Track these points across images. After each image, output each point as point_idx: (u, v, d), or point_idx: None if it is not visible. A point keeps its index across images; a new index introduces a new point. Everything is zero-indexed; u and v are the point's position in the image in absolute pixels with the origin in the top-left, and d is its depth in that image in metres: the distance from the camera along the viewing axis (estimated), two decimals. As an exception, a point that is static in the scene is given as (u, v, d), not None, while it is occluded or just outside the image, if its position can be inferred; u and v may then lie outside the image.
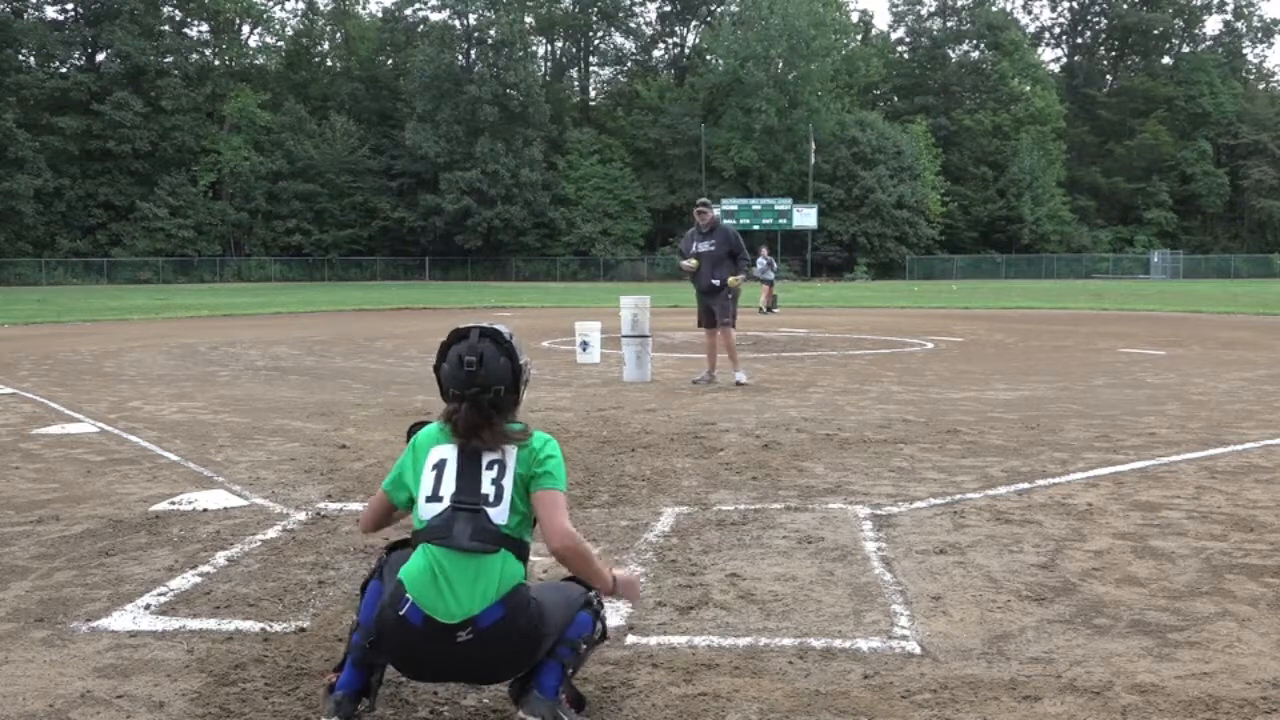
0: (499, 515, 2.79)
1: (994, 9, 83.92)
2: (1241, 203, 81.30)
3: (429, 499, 2.83)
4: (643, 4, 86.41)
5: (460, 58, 73.07)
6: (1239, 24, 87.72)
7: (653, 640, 3.50)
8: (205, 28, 72.97)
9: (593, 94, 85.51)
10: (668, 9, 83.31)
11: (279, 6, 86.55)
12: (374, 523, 3.15)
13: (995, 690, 3.08)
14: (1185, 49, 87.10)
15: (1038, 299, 35.37)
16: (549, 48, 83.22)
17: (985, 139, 77.55)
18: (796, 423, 8.15)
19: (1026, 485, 5.86)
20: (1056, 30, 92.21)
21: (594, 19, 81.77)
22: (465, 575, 2.72)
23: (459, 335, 2.92)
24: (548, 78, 79.02)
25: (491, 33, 71.68)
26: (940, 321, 23.07)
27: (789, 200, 66.61)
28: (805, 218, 65.80)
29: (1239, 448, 7.02)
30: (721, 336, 10.79)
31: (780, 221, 64.99)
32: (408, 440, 3.03)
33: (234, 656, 3.37)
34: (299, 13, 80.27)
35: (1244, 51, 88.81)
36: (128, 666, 3.30)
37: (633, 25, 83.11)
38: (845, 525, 5.01)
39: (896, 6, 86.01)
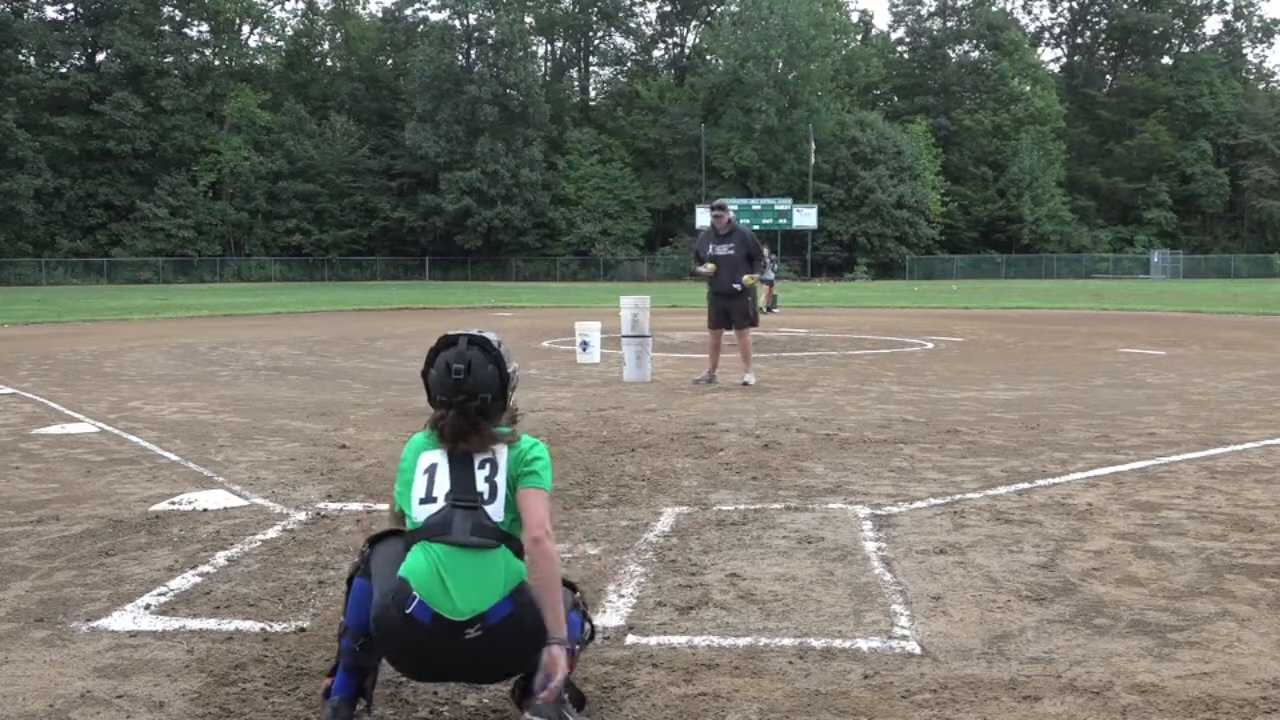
0: (495, 512, 2.80)
1: (994, 9, 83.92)
2: (1241, 203, 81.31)
3: (422, 501, 2.84)
4: (643, 4, 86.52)
5: (460, 58, 73.08)
6: (1239, 24, 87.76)
7: (653, 640, 3.50)
8: (205, 28, 73.05)
9: (593, 94, 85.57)
10: (668, 9, 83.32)
11: (279, 6, 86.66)
12: None
13: (995, 690, 3.08)
14: (1185, 49, 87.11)
15: (1038, 299, 35.37)
16: (549, 48, 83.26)
17: (985, 139, 77.56)
18: (796, 423, 8.15)
19: (1026, 485, 5.86)
20: (1056, 30, 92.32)
21: (594, 19, 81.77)
22: (470, 571, 2.72)
23: (447, 342, 2.93)
24: (548, 78, 79.02)
25: (491, 33, 71.68)
26: (940, 321, 23.07)
27: (789, 200, 66.62)
28: (805, 218, 65.81)
29: (1239, 448, 7.02)
30: (738, 337, 10.82)
31: (780, 221, 64.97)
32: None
33: (234, 656, 3.37)
34: (299, 13, 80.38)
35: (1244, 51, 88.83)
36: (128, 666, 3.30)
37: (633, 25, 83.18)
38: (845, 525, 5.01)
39: (896, 6, 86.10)
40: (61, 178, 62.91)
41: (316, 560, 4.47)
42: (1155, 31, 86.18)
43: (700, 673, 3.22)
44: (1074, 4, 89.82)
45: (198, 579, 4.22)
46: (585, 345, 13.38)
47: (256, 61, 74.84)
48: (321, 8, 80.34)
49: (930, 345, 16.32)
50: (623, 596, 3.96)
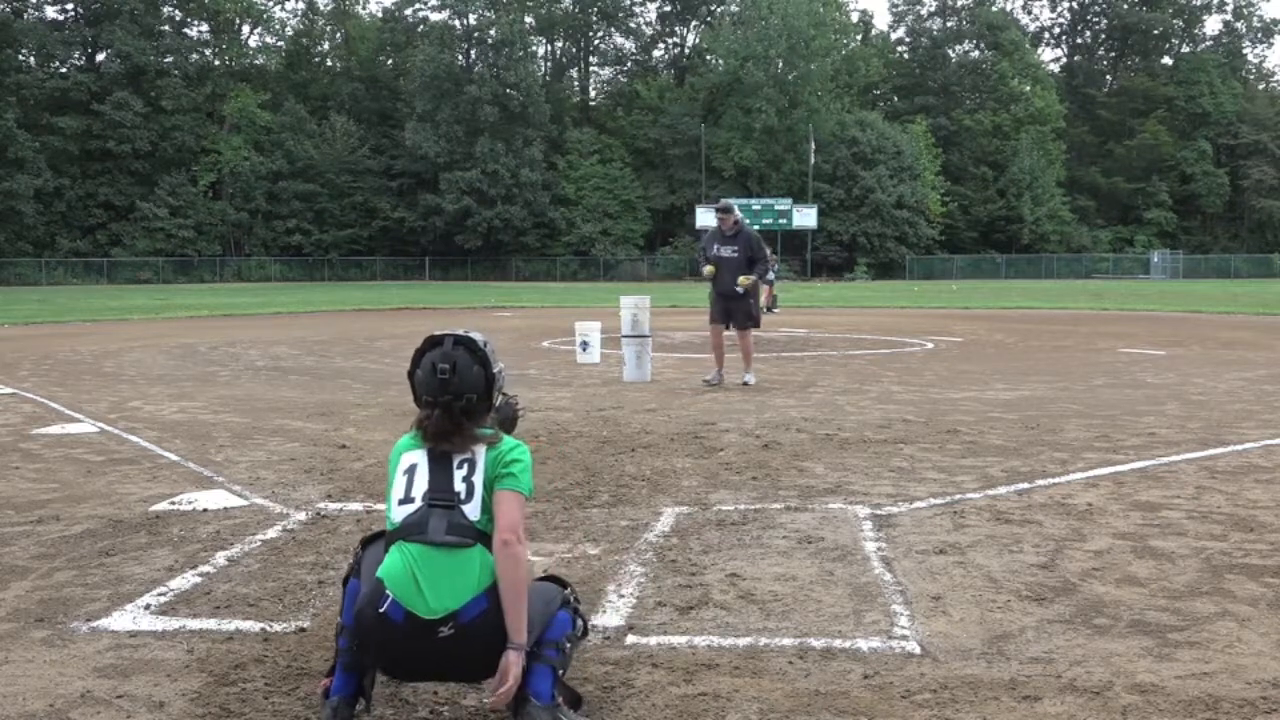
0: (472, 511, 2.80)
1: (994, 9, 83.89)
2: (1241, 203, 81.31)
3: (401, 501, 2.85)
4: (643, 4, 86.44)
5: (460, 58, 73.07)
6: (1239, 24, 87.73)
7: (653, 640, 3.50)
8: (205, 28, 73.01)
9: (593, 94, 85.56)
10: (668, 9, 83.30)
11: (279, 6, 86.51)
12: None
13: (995, 690, 3.08)
14: (1185, 49, 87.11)
15: (1038, 299, 35.37)
16: (549, 48, 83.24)
17: (985, 139, 77.55)
18: (796, 423, 8.15)
19: (1026, 485, 5.86)
20: (1056, 30, 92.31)
21: (594, 19, 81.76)
22: (444, 570, 2.73)
23: (433, 342, 2.93)
24: (548, 78, 79.02)
25: (491, 33, 71.69)
26: (940, 321, 23.07)
27: (789, 200, 66.62)
28: (805, 218, 65.81)
29: (1239, 448, 7.02)
30: (740, 338, 10.81)
31: (780, 221, 64.97)
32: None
33: (234, 656, 3.38)
34: (299, 13, 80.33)
35: (1244, 51, 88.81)
36: (128, 666, 3.30)
37: (633, 25, 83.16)
38: (845, 525, 5.01)
39: (896, 6, 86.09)
40: (61, 178, 62.90)
41: (316, 560, 4.47)
42: (1155, 31, 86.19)
43: (700, 673, 3.22)
44: (1074, 4, 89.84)
45: (198, 579, 4.22)
46: (585, 345, 13.38)
47: (256, 61, 74.83)
48: (321, 8, 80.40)
49: (930, 345, 16.32)
50: (623, 596, 3.96)
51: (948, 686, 3.11)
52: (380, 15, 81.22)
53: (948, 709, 2.96)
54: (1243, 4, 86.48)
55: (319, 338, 18.48)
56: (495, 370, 2.95)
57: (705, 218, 55.82)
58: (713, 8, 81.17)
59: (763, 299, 26.25)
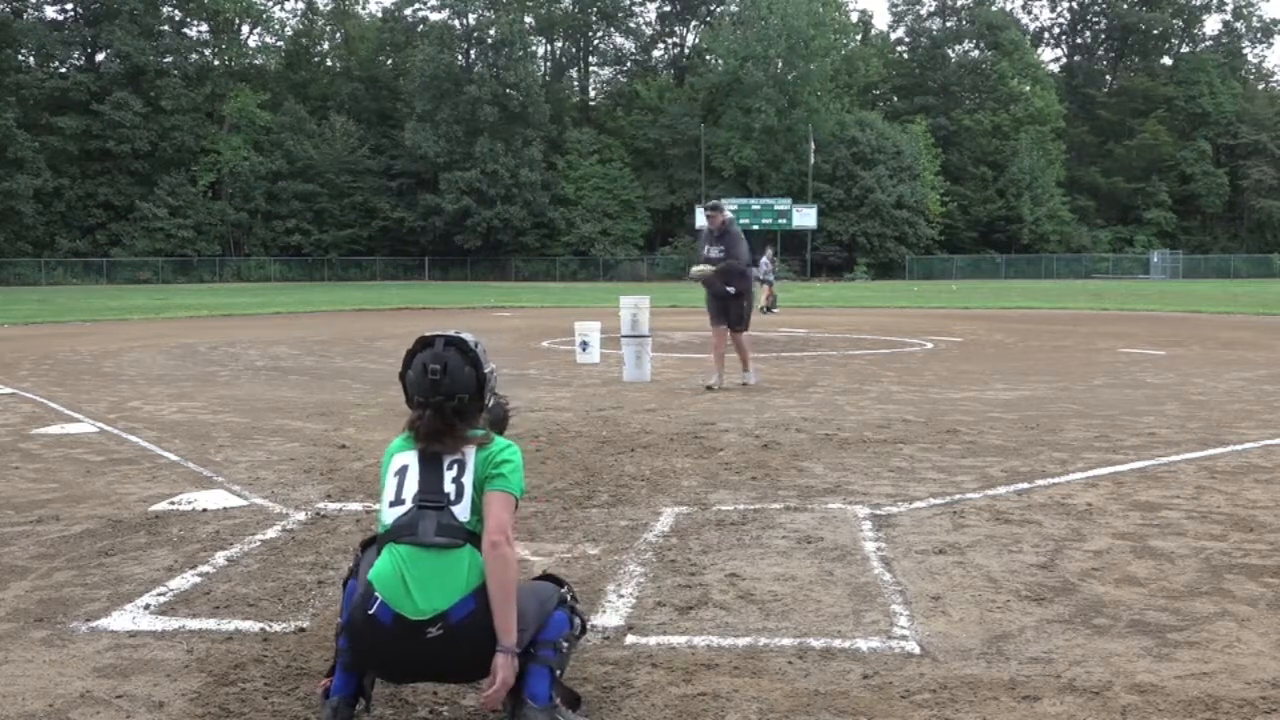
0: (462, 512, 2.80)
1: (994, 9, 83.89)
2: (1241, 203, 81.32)
3: (392, 504, 2.85)
4: (643, 4, 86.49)
5: (460, 58, 73.08)
6: (1239, 24, 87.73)
7: (653, 640, 3.50)
8: (205, 28, 73.00)
9: (592, 94, 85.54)
10: (668, 9, 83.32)
11: (279, 6, 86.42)
12: None
13: (995, 690, 3.08)
14: (1185, 49, 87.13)
15: (1037, 299, 35.37)
16: (549, 48, 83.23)
17: (985, 139, 77.56)
18: (796, 423, 8.15)
19: (1026, 485, 5.86)
20: (1056, 30, 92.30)
21: (594, 19, 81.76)
22: (433, 571, 2.74)
23: (424, 343, 2.94)
24: (547, 78, 79.01)
25: (491, 33, 71.70)
26: (940, 321, 23.07)
27: (789, 200, 66.63)
28: (805, 218, 65.83)
29: (1239, 448, 7.02)
30: (734, 339, 10.73)
31: (780, 221, 65.00)
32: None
33: (234, 656, 3.38)
34: (299, 13, 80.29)
35: (1244, 51, 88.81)
36: (128, 666, 3.30)
37: (632, 25, 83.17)
38: (845, 525, 5.01)
39: (896, 6, 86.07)
40: (61, 178, 62.90)
41: (316, 560, 4.48)
42: (1155, 31, 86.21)
43: (700, 673, 3.22)
44: (1074, 4, 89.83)
45: (197, 579, 4.22)
46: (585, 345, 13.38)
47: (256, 61, 74.81)
48: (321, 8, 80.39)
49: (930, 345, 16.33)
50: (622, 596, 3.96)
51: (947, 686, 3.11)
52: (380, 15, 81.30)
53: (947, 709, 2.96)
54: (1243, 4, 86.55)
55: (319, 338, 18.48)
56: (487, 371, 2.96)
57: (704, 218, 55.76)
58: (712, 8, 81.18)
59: (763, 299, 26.45)
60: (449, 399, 2.86)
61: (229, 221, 67.83)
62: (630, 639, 3.51)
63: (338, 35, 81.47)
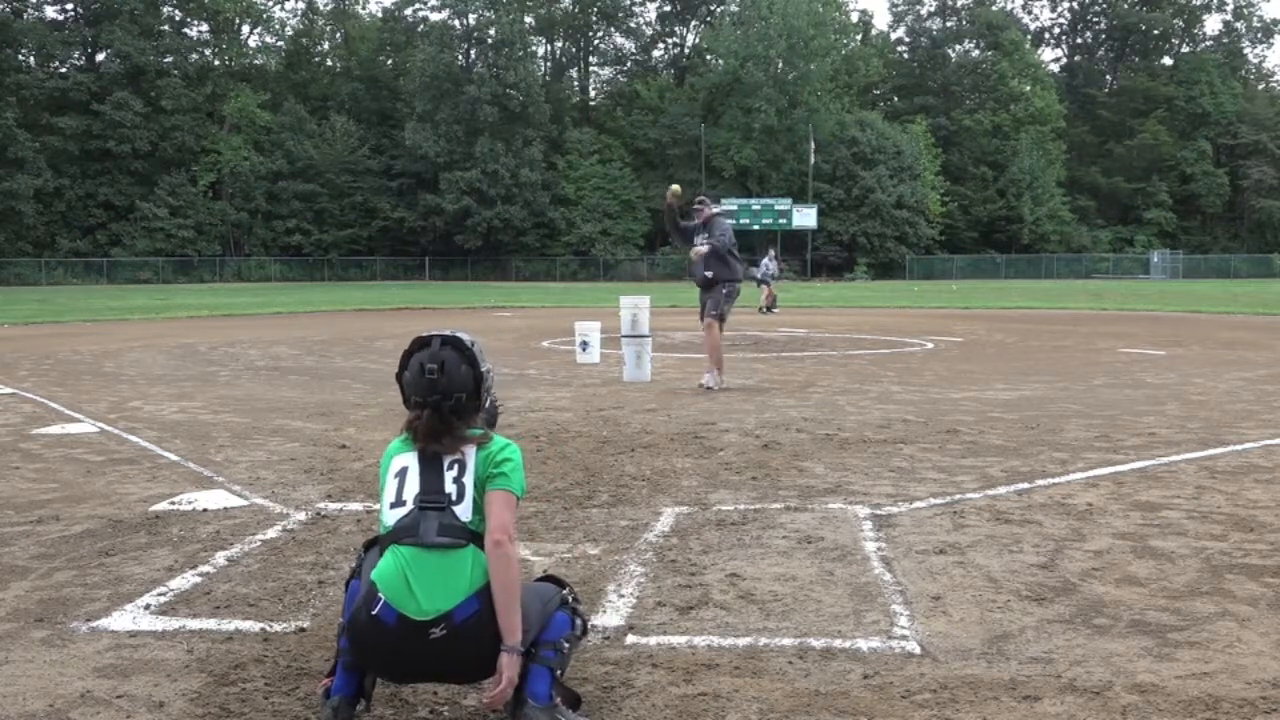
0: (463, 512, 2.80)
1: (994, 9, 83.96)
2: (1241, 203, 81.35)
3: (393, 505, 2.85)
4: (643, 4, 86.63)
5: (460, 58, 73.10)
6: (1239, 24, 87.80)
7: (653, 640, 3.50)
8: (205, 28, 73.03)
9: (593, 94, 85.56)
10: (668, 9, 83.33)
11: (279, 6, 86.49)
12: None
13: (995, 690, 3.08)
14: (1185, 49, 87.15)
15: (1037, 299, 35.37)
16: (549, 48, 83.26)
17: (985, 139, 77.58)
18: (796, 423, 8.14)
19: (1026, 485, 5.86)
20: (1056, 30, 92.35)
21: (594, 19, 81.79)
22: (436, 571, 2.73)
23: (421, 343, 2.94)
24: (548, 78, 79.02)
25: (491, 33, 71.71)
26: (940, 321, 23.07)
27: (789, 200, 66.65)
28: (805, 218, 65.84)
29: (1239, 448, 7.02)
30: (705, 331, 10.45)
31: (780, 221, 65.01)
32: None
33: (234, 656, 3.38)
34: (299, 13, 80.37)
35: (1244, 51, 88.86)
36: (128, 666, 3.30)
37: (633, 25, 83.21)
38: (845, 525, 5.01)
39: (896, 6, 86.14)
40: (61, 178, 62.92)
41: (316, 560, 4.47)
42: (1155, 31, 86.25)
43: (700, 673, 3.22)
44: (1074, 4, 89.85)
45: (198, 579, 4.22)
46: (585, 345, 13.38)
47: (256, 61, 74.87)
48: (321, 8, 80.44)
49: (930, 345, 16.32)
50: (623, 596, 3.95)
51: (948, 686, 3.11)
52: (380, 15, 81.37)
53: (948, 709, 2.96)
54: (1243, 4, 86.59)
55: (319, 338, 18.48)
56: (484, 370, 2.95)
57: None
58: (713, 8, 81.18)
59: (763, 299, 26.41)
60: (447, 398, 2.86)
61: (229, 221, 67.86)
62: (630, 639, 3.51)
63: (338, 35, 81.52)
